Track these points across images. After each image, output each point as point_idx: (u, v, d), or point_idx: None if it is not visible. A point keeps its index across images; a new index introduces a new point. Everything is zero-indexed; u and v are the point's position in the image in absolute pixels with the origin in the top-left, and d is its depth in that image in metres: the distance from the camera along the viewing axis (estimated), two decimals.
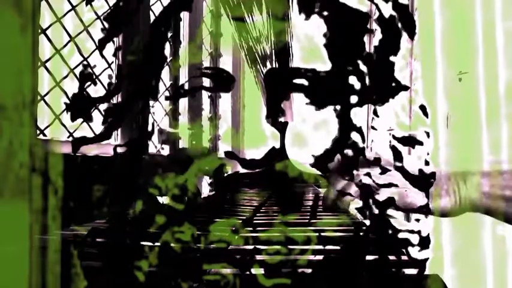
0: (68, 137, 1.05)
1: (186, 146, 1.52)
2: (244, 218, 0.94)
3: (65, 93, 1.04)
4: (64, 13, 1.07)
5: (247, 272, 0.55)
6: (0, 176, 0.46)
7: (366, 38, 0.53)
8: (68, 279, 0.51)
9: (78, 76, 0.56)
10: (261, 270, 0.54)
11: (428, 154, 0.61)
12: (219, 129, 2.13)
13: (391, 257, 0.55)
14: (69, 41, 1.08)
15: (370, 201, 0.57)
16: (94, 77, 1.06)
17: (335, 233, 0.78)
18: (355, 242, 0.56)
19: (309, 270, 0.56)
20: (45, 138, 0.99)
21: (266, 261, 0.58)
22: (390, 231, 0.55)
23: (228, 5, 1.47)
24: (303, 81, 0.53)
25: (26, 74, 0.50)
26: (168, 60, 1.51)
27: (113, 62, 1.21)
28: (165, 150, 1.47)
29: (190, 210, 0.55)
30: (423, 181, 0.61)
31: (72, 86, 1.06)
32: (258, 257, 0.60)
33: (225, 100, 2.21)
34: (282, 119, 0.58)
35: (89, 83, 0.58)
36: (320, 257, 0.56)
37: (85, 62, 1.11)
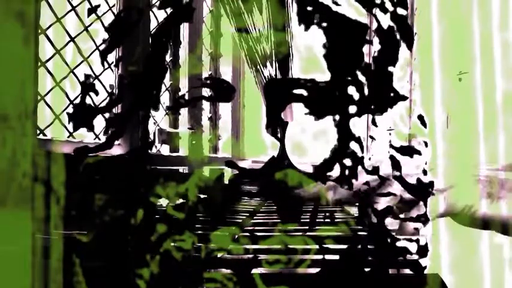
0: (68, 137, 1.05)
1: (186, 145, 1.52)
2: (240, 222, 0.95)
3: (65, 93, 1.04)
4: (64, 13, 1.07)
5: (247, 278, 0.55)
6: (4, 185, 0.46)
7: (364, 49, 0.54)
8: (70, 287, 0.51)
9: (80, 84, 0.57)
10: (260, 271, 0.55)
11: (426, 164, 0.62)
12: (219, 129, 2.13)
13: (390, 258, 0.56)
14: (69, 41, 1.09)
15: (369, 210, 0.58)
16: (95, 76, 1.07)
17: (334, 241, 0.78)
18: (354, 249, 0.56)
19: (309, 277, 0.56)
20: (46, 138, 0.99)
21: (266, 269, 0.59)
22: (389, 240, 0.55)
23: (230, 9, 1.48)
24: (303, 92, 0.53)
25: (28, 84, 0.51)
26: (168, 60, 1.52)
27: (112, 62, 1.22)
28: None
29: (191, 219, 0.55)
30: (422, 190, 0.61)
31: (71, 91, 1.06)
32: (259, 259, 0.61)
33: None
34: (281, 117, 0.58)
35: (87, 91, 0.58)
36: (319, 263, 0.57)
37: (87, 72, 1.12)
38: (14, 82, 0.49)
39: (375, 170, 0.66)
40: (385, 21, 0.54)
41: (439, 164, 0.84)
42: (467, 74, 1.94)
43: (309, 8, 0.52)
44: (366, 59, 0.54)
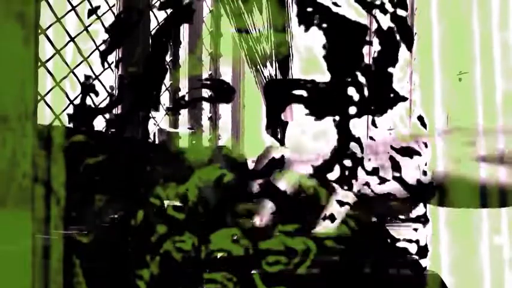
0: None
1: (186, 146, 1.52)
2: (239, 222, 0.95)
3: (65, 93, 1.04)
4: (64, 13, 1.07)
5: (247, 280, 0.55)
6: (4, 185, 0.46)
7: (364, 50, 0.54)
8: None
9: (80, 84, 0.57)
10: (260, 272, 0.55)
11: (426, 164, 0.62)
12: (219, 129, 2.13)
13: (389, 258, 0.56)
14: (69, 41, 1.08)
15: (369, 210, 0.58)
16: (95, 77, 1.07)
17: (334, 241, 0.78)
18: (353, 250, 0.56)
19: (309, 278, 0.56)
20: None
21: (266, 270, 0.59)
22: (389, 241, 0.55)
23: (230, 9, 1.48)
24: (303, 92, 0.53)
25: (28, 84, 0.51)
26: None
27: (112, 63, 1.21)
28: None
29: (191, 220, 0.55)
30: (421, 191, 0.61)
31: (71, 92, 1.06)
32: (258, 259, 0.61)
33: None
34: (281, 118, 0.58)
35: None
36: (319, 263, 0.57)
37: (87, 73, 1.11)
38: (14, 82, 0.49)
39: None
40: (385, 22, 0.54)
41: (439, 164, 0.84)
42: (467, 74, 1.94)
43: (309, 9, 0.52)
44: (366, 60, 0.54)
